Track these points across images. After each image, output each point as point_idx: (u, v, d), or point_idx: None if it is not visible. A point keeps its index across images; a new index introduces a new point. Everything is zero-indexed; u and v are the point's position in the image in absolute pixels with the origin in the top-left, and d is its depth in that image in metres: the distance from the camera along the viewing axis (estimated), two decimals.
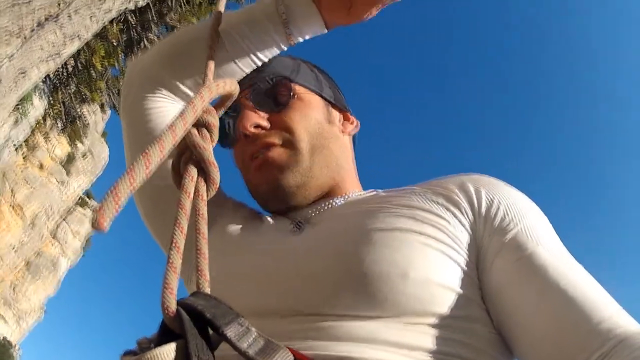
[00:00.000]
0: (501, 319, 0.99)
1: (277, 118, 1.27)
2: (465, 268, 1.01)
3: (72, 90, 9.48)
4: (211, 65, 1.16)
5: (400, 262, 0.97)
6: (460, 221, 1.06)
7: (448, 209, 1.08)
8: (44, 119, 12.93)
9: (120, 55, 8.79)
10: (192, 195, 0.87)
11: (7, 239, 37.69)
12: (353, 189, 1.32)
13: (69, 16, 3.30)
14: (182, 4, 8.26)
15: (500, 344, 1.00)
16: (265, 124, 1.26)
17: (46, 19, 2.84)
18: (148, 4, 5.58)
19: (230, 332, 0.68)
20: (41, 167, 37.80)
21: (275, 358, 0.68)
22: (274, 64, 1.36)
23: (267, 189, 1.25)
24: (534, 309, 0.94)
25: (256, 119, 1.25)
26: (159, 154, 0.80)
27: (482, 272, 1.03)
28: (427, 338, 0.92)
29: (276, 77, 1.33)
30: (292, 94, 1.30)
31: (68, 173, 40.06)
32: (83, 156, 40.03)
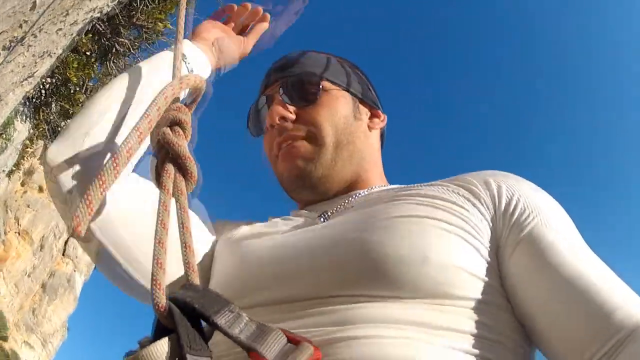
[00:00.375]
0: (521, 309, 1.00)
1: (305, 112, 1.32)
2: (486, 256, 1.03)
3: (54, 108, 9.42)
4: (177, 61, 1.15)
5: (421, 246, 0.98)
6: (480, 212, 1.08)
7: (469, 200, 1.11)
8: (31, 141, 12.96)
9: (95, 65, 8.72)
10: (171, 191, 0.88)
11: (19, 266, 37.85)
12: (377, 183, 1.36)
13: (34, 35, 3.25)
14: (148, 3, 8.18)
15: (522, 332, 1.01)
16: (292, 116, 1.32)
17: (11, 42, 2.79)
18: (114, 8, 5.48)
19: (221, 320, 0.70)
20: (40, 189, 37.80)
21: (267, 341, 0.68)
22: (304, 60, 1.42)
23: (291, 179, 1.31)
24: (550, 298, 0.96)
25: (283, 112, 1.31)
26: (126, 155, 0.84)
27: (502, 263, 1.04)
28: (449, 317, 0.93)
29: (305, 73, 1.37)
30: (319, 90, 1.34)
31: None
32: None
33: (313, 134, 1.30)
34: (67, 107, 10.14)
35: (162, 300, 0.71)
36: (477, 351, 0.91)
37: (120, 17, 7.99)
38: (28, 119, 9.61)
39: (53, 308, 45.20)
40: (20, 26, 2.77)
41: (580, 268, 0.96)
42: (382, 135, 1.52)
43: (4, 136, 9.60)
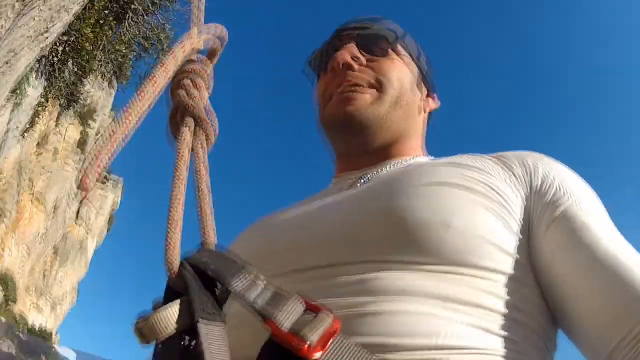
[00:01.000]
0: (551, 289, 0.98)
1: (376, 62, 1.31)
2: (516, 231, 1.01)
3: (70, 66, 9.37)
4: (196, 9, 1.08)
5: (444, 210, 0.97)
6: (515, 186, 1.07)
7: (504, 174, 1.09)
8: (47, 99, 12.89)
9: (113, 23, 8.66)
10: (190, 145, 0.86)
11: (32, 229, 38.47)
12: (417, 154, 1.35)
13: None
14: None
15: (547, 315, 0.99)
16: (363, 60, 1.30)
17: None
18: None
19: (237, 284, 0.67)
20: (56, 152, 38.15)
21: (284, 308, 0.66)
22: (383, 22, 1.40)
23: (339, 120, 1.27)
24: (584, 277, 0.94)
25: (356, 53, 1.30)
26: (137, 112, 0.80)
27: (534, 241, 1.02)
28: (474, 292, 0.91)
29: (385, 30, 1.37)
30: (395, 48, 1.35)
31: (84, 154, 40.38)
32: (97, 135, 40.43)
33: (379, 82, 1.28)
34: (84, 64, 10.09)
35: (175, 262, 0.69)
36: (502, 332, 0.89)
37: None
38: (43, 75, 9.53)
39: (64, 272, 46.05)
40: None
41: (615, 250, 0.94)
42: (430, 118, 1.49)
43: (18, 92, 9.52)
